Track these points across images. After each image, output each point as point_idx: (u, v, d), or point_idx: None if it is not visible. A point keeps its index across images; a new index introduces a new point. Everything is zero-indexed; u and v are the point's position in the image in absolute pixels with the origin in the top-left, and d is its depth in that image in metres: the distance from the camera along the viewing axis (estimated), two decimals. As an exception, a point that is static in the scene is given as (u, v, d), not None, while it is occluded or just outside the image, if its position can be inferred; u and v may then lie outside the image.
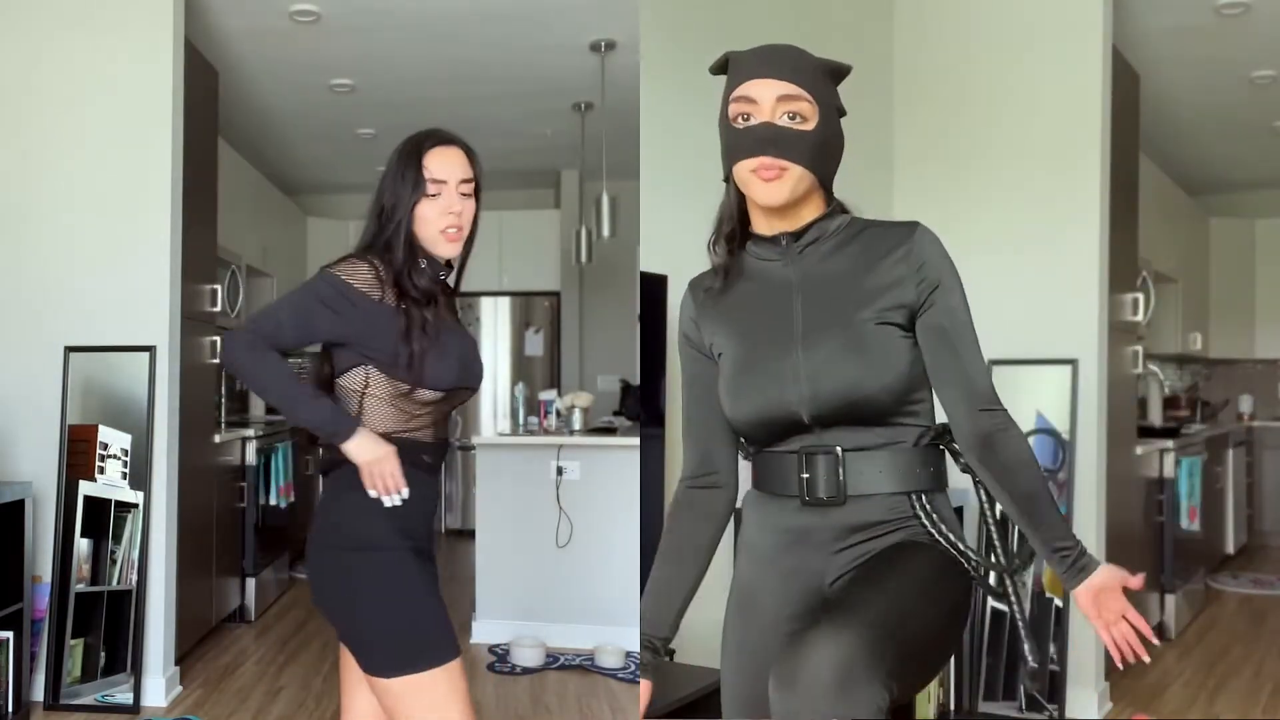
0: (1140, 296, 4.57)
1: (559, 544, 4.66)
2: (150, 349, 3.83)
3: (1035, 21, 4.05)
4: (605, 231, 5.43)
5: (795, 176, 1.59)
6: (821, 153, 1.61)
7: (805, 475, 1.63)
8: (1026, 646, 1.76)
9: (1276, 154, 7.03)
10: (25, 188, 3.87)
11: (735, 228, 1.69)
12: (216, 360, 4.53)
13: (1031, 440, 3.53)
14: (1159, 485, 5.16)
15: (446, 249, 1.98)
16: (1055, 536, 1.59)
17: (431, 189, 1.95)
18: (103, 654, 3.74)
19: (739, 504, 1.85)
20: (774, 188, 1.59)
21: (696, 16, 3.55)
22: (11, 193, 3.87)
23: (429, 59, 5.08)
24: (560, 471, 4.68)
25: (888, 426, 1.63)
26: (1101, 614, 1.58)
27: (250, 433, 5.13)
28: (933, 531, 1.62)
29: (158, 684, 3.80)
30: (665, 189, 3.40)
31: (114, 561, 3.78)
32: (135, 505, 3.79)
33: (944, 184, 4.16)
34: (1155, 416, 6.55)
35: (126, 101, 3.88)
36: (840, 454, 1.61)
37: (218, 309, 4.49)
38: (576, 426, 4.97)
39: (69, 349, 3.81)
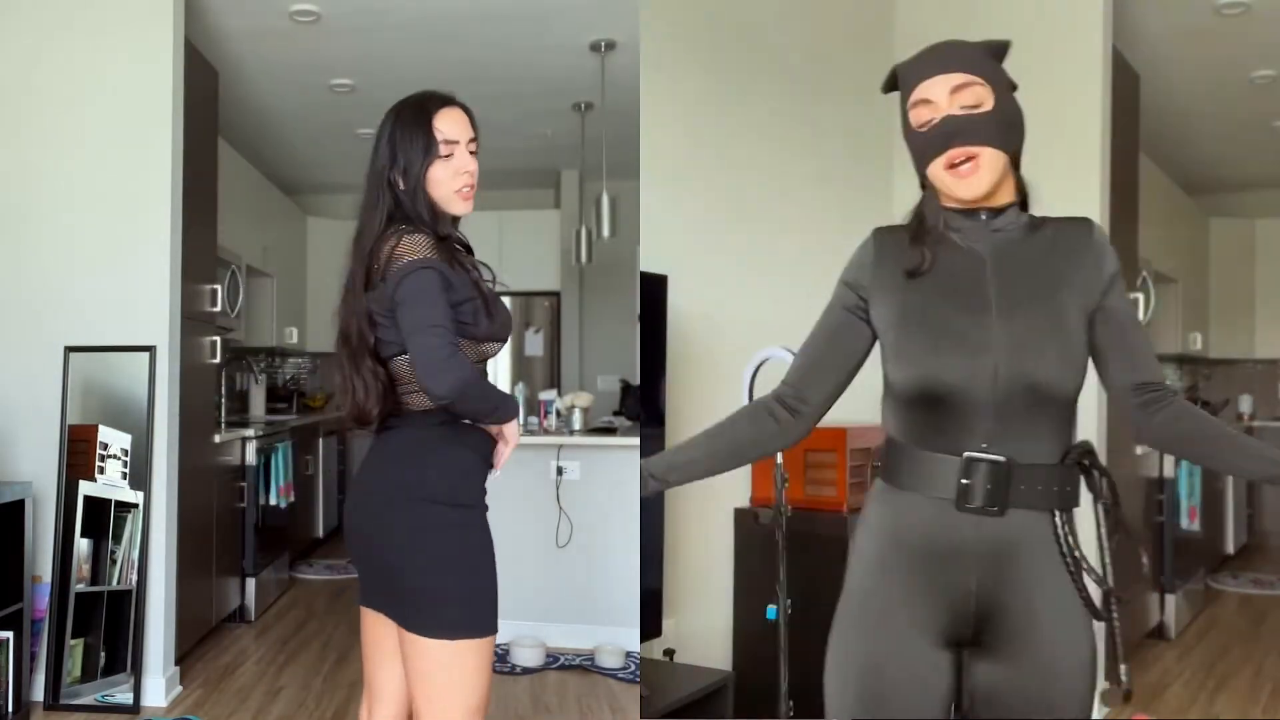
0: (1140, 296, 4.57)
1: (559, 544, 4.66)
2: (150, 349, 3.83)
3: (1035, 22, 4.05)
4: (605, 231, 5.43)
5: (988, 161, 1.60)
6: (1005, 129, 1.62)
7: (964, 481, 1.59)
8: (1123, 669, 1.71)
9: (1276, 154, 7.03)
10: (25, 188, 3.87)
11: (937, 225, 1.67)
12: (216, 360, 4.53)
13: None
14: (1159, 485, 5.16)
15: (462, 206, 2.01)
16: (1267, 461, 1.60)
17: (444, 150, 1.97)
18: (103, 654, 3.74)
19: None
20: (973, 180, 1.60)
21: (696, 16, 3.55)
22: (11, 193, 3.87)
23: (429, 59, 5.08)
24: (560, 471, 4.68)
25: (1053, 430, 1.61)
26: None
27: (250, 433, 5.13)
28: (1067, 556, 1.62)
29: (158, 684, 3.80)
30: (665, 189, 3.40)
31: (114, 561, 3.78)
32: (135, 505, 3.79)
33: (944, 184, 4.15)
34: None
35: (126, 101, 3.88)
36: (1006, 464, 1.58)
37: (218, 309, 4.49)
38: (576, 426, 4.97)
39: (69, 349, 3.81)
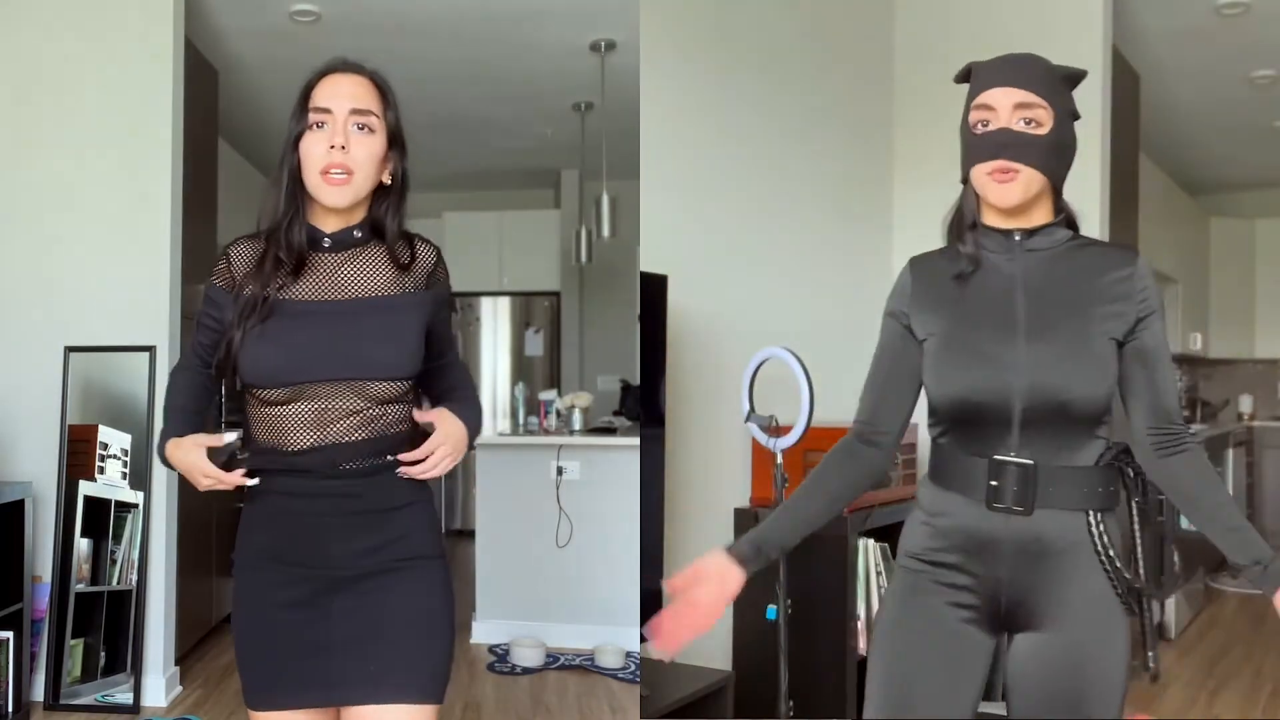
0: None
1: (559, 544, 4.65)
2: (150, 349, 3.83)
3: (1035, 22, 4.05)
4: (605, 231, 5.43)
5: (1027, 179, 1.65)
6: (1053, 155, 1.67)
7: (993, 483, 1.67)
8: (1151, 655, 1.79)
9: (1276, 154, 7.04)
10: (25, 187, 3.87)
11: (977, 219, 1.73)
12: (216, 360, 4.53)
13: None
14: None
15: (329, 195, 1.63)
16: (1247, 544, 1.67)
17: (315, 118, 1.65)
18: (103, 654, 3.74)
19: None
20: (1007, 189, 1.65)
21: (696, 16, 3.55)
22: (11, 192, 3.87)
23: (429, 59, 5.08)
24: (560, 471, 4.68)
25: (1082, 438, 1.67)
26: None
27: (250, 433, 5.13)
28: (1101, 554, 1.68)
29: (158, 684, 3.80)
30: (665, 189, 3.40)
31: (114, 561, 3.78)
32: (135, 505, 3.79)
33: (944, 183, 4.15)
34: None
35: (126, 101, 3.87)
36: (1033, 467, 1.65)
37: (218, 309, 4.48)
38: (576, 426, 4.98)
39: (69, 349, 3.81)
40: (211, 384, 1.82)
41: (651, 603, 3.29)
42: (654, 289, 3.21)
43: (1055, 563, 1.67)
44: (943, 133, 4.59)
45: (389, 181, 1.71)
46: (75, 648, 3.72)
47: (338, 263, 1.69)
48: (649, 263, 3.26)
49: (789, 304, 3.86)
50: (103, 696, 3.73)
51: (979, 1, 4.18)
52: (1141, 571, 1.74)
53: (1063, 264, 1.70)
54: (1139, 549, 1.76)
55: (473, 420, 1.77)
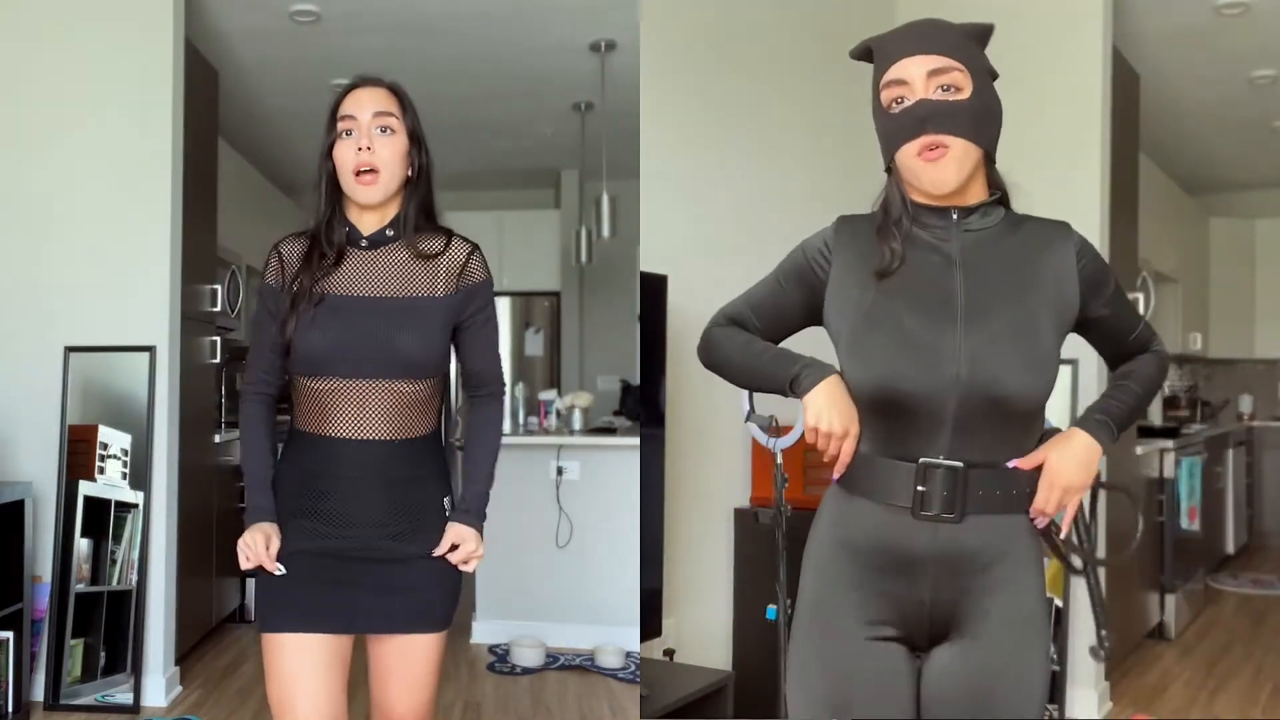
0: (1140, 296, 4.57)
1: (559, 544, 4.65)
2: (150, 349, 3.82)
3: (1035, 22, 4.05)
4: (605, 231, 5.43)
5: (960, 153, 1.52)
6: (981, 120, 1.54)
7: (920, 489, 1.53)
8: (1103, 634, 1.71)
9: (1276, 154, 7.03)
10: (25, 187, 3.87)
11: (903, 216, 1.60)
12: (216, 360, 4.53)
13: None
14: (1159, 485, 5.16)
15: (361, 194, 1.83)
16: (1109, 395, 1.68)
17: (343, 126, 1.84)
18: (103, 654, 3.74)
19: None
20: (941, 169, 1.52)
21: (696, 16, 3.55)
22: (11, 192, 3.86)
23: (429, 59, 5.08)
24: (560, 471, 4.68)
25: (1019, 434, 1.57)
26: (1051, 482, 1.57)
27: (250, 433, 5.12)
28: (1053, 531, 1.63)
29: (158, 684, 3.80)
30: (665, 189, 3.40)
31: (114, 561, 3.78)
32: (135, 505, 3.79)
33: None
34: (1155, 416, 6.55)
35: (126, 101, 3.87)
36: (964, 469, 1.52)
37: (218, 309, 4.49)
38: (576, 426, 4.97)
39: (69, 349, 3.80)
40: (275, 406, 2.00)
41: (651, 602, 3.29)
42: (654, 289, 3.21)
43: (982, 575, 1.55)
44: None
45: (413, 175, 1.89)
46: (75, 648, 3.72)
47: (373, 259, 1.86)
48: (649, 263, 3.26)
49: (789, 304, 3.85)
50: (103, 696, 3.73)
51: (979, 2, 4.17)
52: (1086, 544, 1.65)
53: (1000, 244, 1.58)
54: (1083, 522, 1.66)
55: (479, 494, 1.94)
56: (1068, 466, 1.56)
